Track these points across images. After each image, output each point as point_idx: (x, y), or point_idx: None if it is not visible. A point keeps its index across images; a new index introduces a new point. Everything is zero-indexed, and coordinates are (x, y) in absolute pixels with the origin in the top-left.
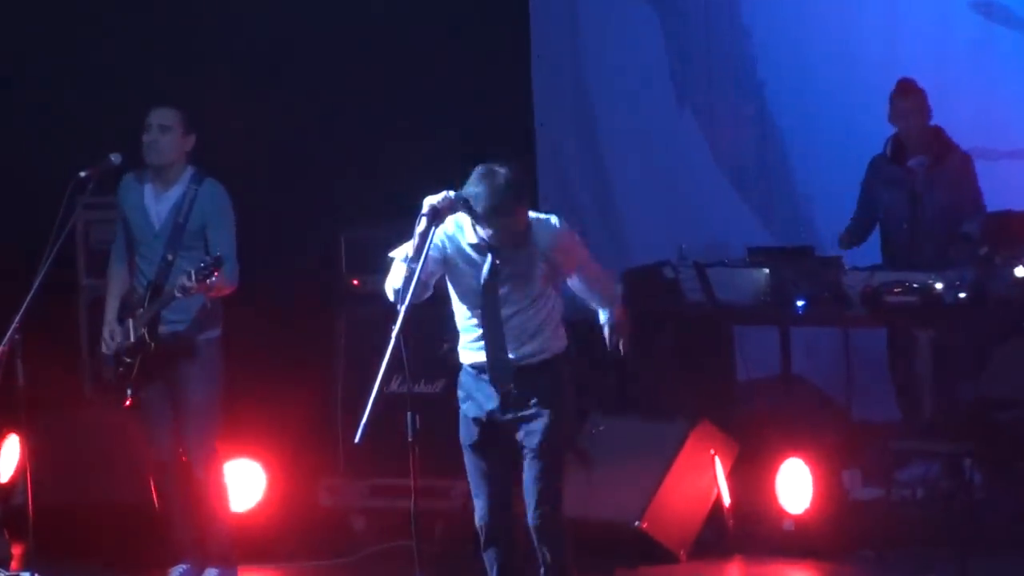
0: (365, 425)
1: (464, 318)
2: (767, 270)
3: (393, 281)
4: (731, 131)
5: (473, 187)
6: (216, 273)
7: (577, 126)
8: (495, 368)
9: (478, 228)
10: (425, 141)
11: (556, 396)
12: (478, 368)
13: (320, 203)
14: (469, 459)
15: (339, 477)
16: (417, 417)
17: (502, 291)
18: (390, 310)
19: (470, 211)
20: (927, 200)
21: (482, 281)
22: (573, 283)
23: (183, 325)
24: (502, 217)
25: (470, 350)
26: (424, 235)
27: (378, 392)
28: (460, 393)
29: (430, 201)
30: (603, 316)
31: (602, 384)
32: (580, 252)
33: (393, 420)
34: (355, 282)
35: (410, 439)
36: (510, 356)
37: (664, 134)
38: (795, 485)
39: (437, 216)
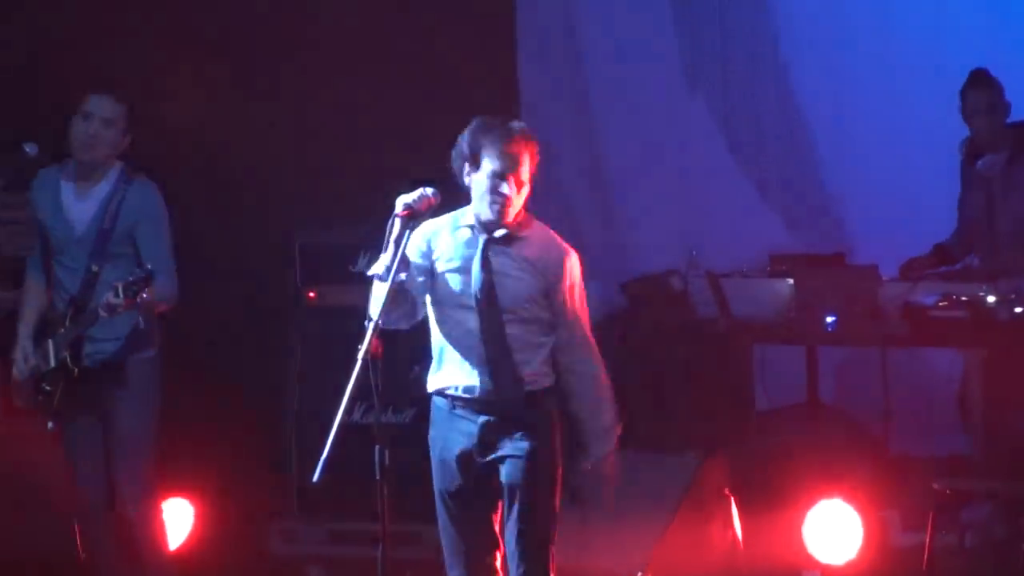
0: (325, 461)
1: (444, 334)
2: (791, 281)
3: (373, 299)
4: (749, 120)
5: (465, 137)
6: (147, 289)
7: (569, 113)
8: (498, 381)
9: (467, 214)
10: (393, 136)
11: (545, 434)
12: (455, 399)
13: (271, 202)
14: (444, 513)
15: (293, 520)
16: (386, 452)
17: (501, 290)
18: (355, 327)
19: (462, 169)
20: (1003, 205)
21: (476, 271)
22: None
23: (112, 346)
24: (518, 138)
25: (449, 373)
26: (399, 241)
27: (340, 423)
28: (432, 432)
29: (404, 200)
30: (582, 434)
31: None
32: (582, 298)
33: (357, 455)
34: (311, 294)
35: (378, 477)
36: (486, 377)
37: (672, 124)
38: (826, 530)
39: (413, 217)
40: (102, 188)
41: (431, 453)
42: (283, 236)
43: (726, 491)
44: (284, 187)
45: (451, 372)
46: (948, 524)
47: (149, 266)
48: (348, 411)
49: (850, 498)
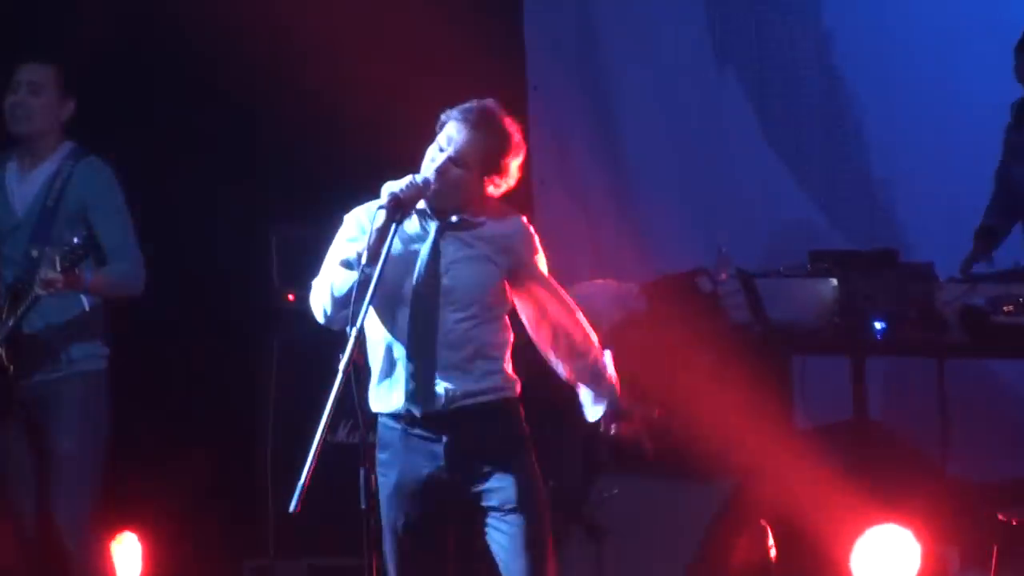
0: (303, 487)
1: (384, 340)
2: (835, 281)
3: (335, 285)
4: (787, 98)
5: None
6: (87, 254)
7: (584, 92)
8: (417, 395)
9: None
10: (385, 121)
11: (524, 449)
12: (405, 418)
13: (246, 192)
14: (399, 556)
15: (268, 556)
16: (373, 476)
17: (445, 282)
18: (337, 334)
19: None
20: None
21: (422, 259)
22: (528, 313)
23: (55, 346)
24: (477, 119)
25: (392, 388)
26: (383, 232)
27: (321, 443)
28: (384, 455)
29: (391, 188)
30: (587, 398)
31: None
32: (543, 261)
33: (340, 480)
34: (290, 296)
35: (363, 505)
36: (446, 386)
37: (699, 105)
38: (878, 560)
39: (400, 207)
40: (46, 168)
41: (380, 480)
42: (257, 229)
43: (762, 521)
44: (259, 173)
45: (394, 387)
46: (1015, 560)
47: (86, 233)
48: (330, 429)
49: (906, 523)
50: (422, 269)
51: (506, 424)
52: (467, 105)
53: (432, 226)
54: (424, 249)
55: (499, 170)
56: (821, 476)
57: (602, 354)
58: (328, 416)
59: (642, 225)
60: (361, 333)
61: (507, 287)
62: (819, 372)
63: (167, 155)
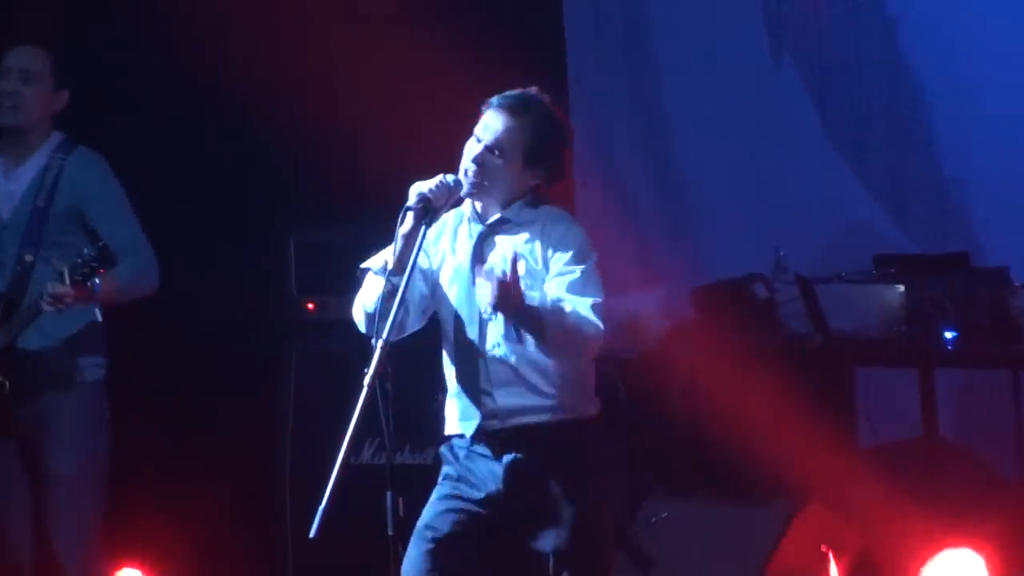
0: (324, 511)
1: (447, 357)
2: (902, 287)
3: (365, 301)
4: (849, 89)
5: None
6: (101, 271)
7: (630, 85)
8: (469, 414)
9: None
10: (415, 116)
11: (591, 482)
12: (473, 436)
13: (262, 193)
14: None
15: None
16: (400, 501)
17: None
18: (362, 345)
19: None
20: None
21: (465, 269)
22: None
23: (54, 360)
24: (516, 104)
25: (459, 405)
26: (411, 238)
27: (344, 463)
28: (448, 468)
29: (419, 189)
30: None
31: (663, 451)
32: (592, 277)
33: (365, 504)
34: (310, 305)
35: (390, 532)
36: (499, 403)
37: (754, 98)
38: None
39: (429, 210)
40: (35, 162)
41: (438, 487)
42: (274, 233)
43: (823, 547)
44: (277, 173)
45: (460, 403)
46: None
47: (101, 243)
48: (354, 450)
49: (978, 548)
50: (465, 278)
51: (572, 449)
52: (506, 92)
53: (475, 230)
54: (465, 259)
55: (543, 160)
56: (887, 498)
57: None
58: (352, 435)
59: (692, 228)
60: (388, 345)
61: None
62: (884, 386)
63: (175, 154)
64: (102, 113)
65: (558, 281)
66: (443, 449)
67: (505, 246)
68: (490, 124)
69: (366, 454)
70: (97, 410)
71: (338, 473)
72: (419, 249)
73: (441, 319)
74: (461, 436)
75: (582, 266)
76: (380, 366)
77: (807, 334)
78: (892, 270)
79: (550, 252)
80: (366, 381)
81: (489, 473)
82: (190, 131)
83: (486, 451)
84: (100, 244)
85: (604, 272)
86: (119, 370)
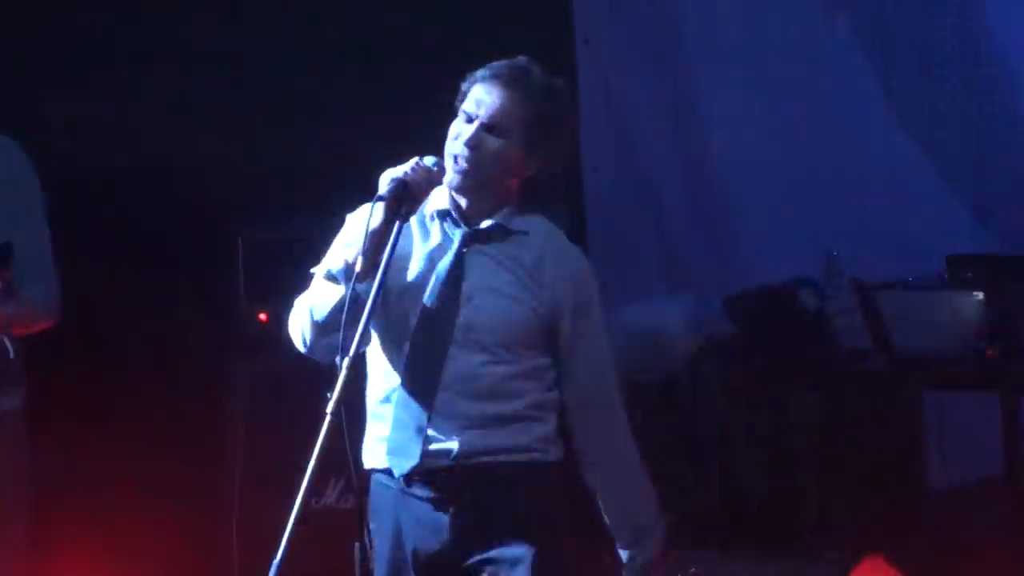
0: (281, 563)
1: (384, 378)
2: (980, 295)
3: (316, 310)
4: (918, 58)
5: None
6: (4, 272)
7: (649, 54)
8: (409, 449)
9: (441, 196)
10: (380, 84)
11: (552, 530)
12: (407, 475)
13: (204, 183)
14: None
15: None
16: (370, 549)
17: (464, 313)
18: (324, 366)
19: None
20: None
21: (438, 277)
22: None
23: None
24: (512, 75)
25: (382, 439)
26: (382, 235)
27: (303, 507)
28: (376, 522)
29: (392, 175)
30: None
31: (691, 494)
32: (599, 324)
33: (327, 555)
34: (262, 316)
35: None
36: (453, 443)
37: (803, 71)
38: None
39: (407, 197)
40: None
41: (377, 547)
42: (219, 231)
43: None
44: (223, 159)
45: (396, 435)
46: None
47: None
48: (314, 490)
49: None
50: (436, 290)
51: (539, 497)
52: (494, 64)
53: (456, 234)
54: (442, 265)
55: (546, 142)
56: (963, 549)
57: (637, 483)
58: (312, 473)
59: (726, 223)
60: (355, 366)
61: (546, 333)
62: (959, 414)
63: (97, 134)
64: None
65: (588, 364)
66: (372, 491)
67: (492, 262)
68: (484, 98)
69: (330, 496)
70: (15, 445)
71: (295, 519)
72: (393, 249)
73: (389, 330)
74: (388, 473)
75: (599, 327)
76: (345, 390)
77: (866, 351)
78: (969, 274)
79: (568, 300)
80: (329, 408)
81: (431, 524)
82: (113, 106)
83: (428, 494)
84: (6, 243)
85: (621, 276)
86: (40, 395)
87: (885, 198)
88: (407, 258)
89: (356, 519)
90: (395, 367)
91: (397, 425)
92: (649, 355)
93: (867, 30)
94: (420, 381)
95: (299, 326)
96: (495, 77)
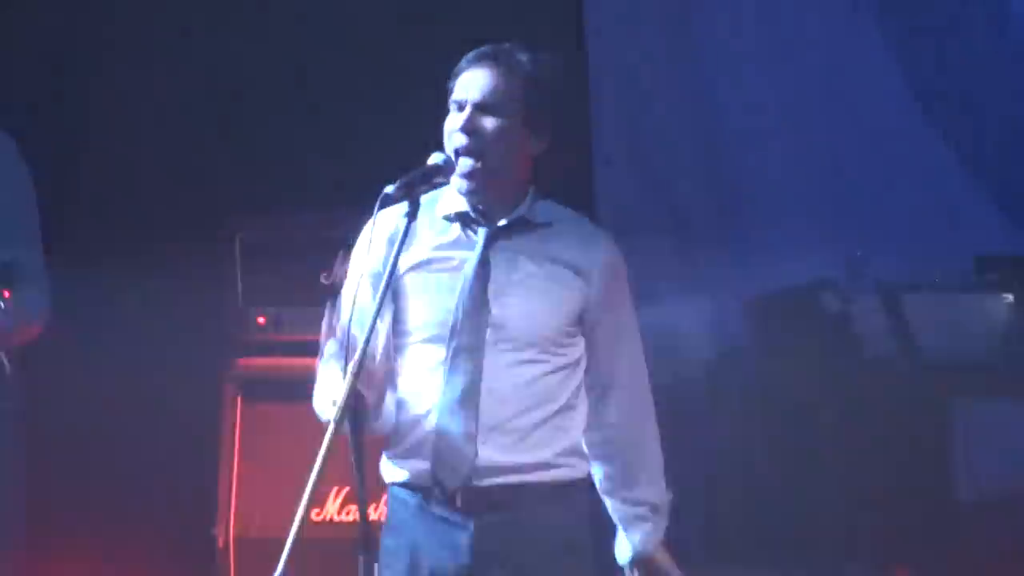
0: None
1: (415, 387)
2: (1010, 297)
3: (319, 412)
4: (950, 53)
5: None
6: (6, 293)
7: (664, 45)
8: (444, 459)
9: (451, 197)
10: (378, 77)
11: (579, 551)
12: (425, 489)
13: (203, 179)
14: None
15: None
16: (375, 565)
17: (494, 312)
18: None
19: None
20: None
21: (467, 280)
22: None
23: None
24: (497, 55)
25: (411, 453)
26: (382, 238)
27: (304, 519)
28: (389, 540)
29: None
30: (624, 546)
31: (708, 505)
32: (632, 321)
33: (330, 570)
34: (260, 319)
35: None
36: (488, 453)
37: (826, 59)
38: None
39: (413, 196)
40: None
41: (392, 566)
42: (218, 231)
43: None
44: (222, 155)
45: (416, 448)
46: None
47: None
48: (315, 502)
49: None
50: (465, 295)
51: (566, 517)
52: (478, 49)
53: (480, 234)
54: (468, 267)
55: (546, 115)
56: (991, 567)
57: (661, 497)
58: (313, 484)
59: (745, 222)
60: (361, 369)
61: (576, 331)
62: (989, 422)
63: (85, 128)
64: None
65: (623, 369)
66: (390, 507)
67: (522, 259)
68: (472, 82)
69: (331, 508)
70: (10, 456)
71: (297, 532)
72: (402, 245)
73: (400, 347)
74: (407, 487)
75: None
76: (351, 397)
77: (890, 357)
78: (998, 275)
79: (599, 290)
80: (332, 417)
81: (449, 544)
82: (110, 106)
83: (448, 514)
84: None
85: (631, 275)
86: (41, 406)
87: (910, 196)
88: (428, 264)
89: (360, 532)
90: (429, 374)
91: (441, 434)
92: (663, 361)
93: (894, 26)
94: (460, 389)
95: (324, 408)
96: (477, 59)
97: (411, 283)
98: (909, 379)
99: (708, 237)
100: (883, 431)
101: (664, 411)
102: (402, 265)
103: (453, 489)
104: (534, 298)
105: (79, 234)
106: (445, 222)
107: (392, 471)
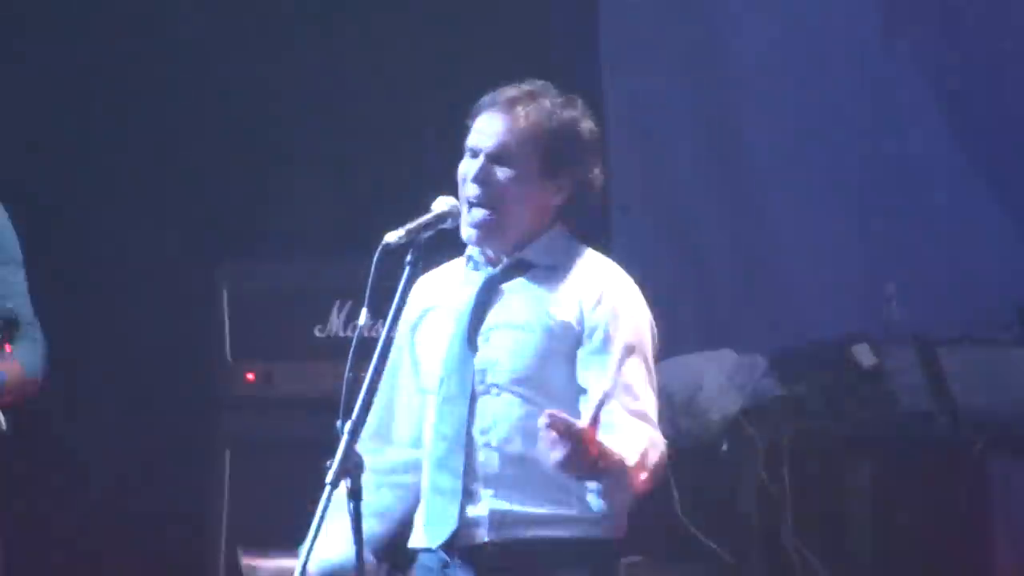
0: None
1: (427, 448)
2: None
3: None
4: (987, 89)
5: None
6: (7, 346)
7: (688, 81)
8: (442, 520)
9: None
10: (382, 116)
11: None
12: (444, 547)
13: (187, 225)
14: None
15: None
16: None
17: (481, 352)
18: (318, 429)
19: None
20: None
21: (460, 322)
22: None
23: None
24: (517, 97)
25: (422, 516)
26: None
27: None
28: None
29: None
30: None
31: (743, 571)
32: (646, 365)
33: None
34: (249, 375)
35: None
36: (489, 507)
37: (857, 99)
38: None
39: (416, 244)
40: None
41: None
42: (204, 281)
43: None
44: (209, 199)
45: (432, 503)
46: None
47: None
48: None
49: None
50: (458, 338)
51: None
52: (497, 90)
53: (477, 276)
54: (463, 312)
55: (567, 165)
56: None
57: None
58: (308, 553)
59: (772, 271)
60: (357, 430)
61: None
62: None
63: (66, 170)
64: None
65: (623, 394)
66: (416, 574)
67: (518, 298)
68: (486, 128)
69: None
70: None
71: None
72: (403, 296)
73: (425, 395)
74: (429, 551)
75: (645, 366)
76: (348, 458)
77: (927, 413)
78: None
79: (603, 331)
80: (328, 478)
81: None
82: (90, 137)
83: (467, 572)
84: (8, 308)
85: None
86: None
87: (949, 243)
88: (434, 308)
89: None
90: (424, 428)
91: (433, 490)
92: (686, 419)
93: (931, 55)
94: (449, 439)
95: None
96: (496, 104)
97: (422, 328)
98: (947, 438)
99: (732, 287)
100: (918, 493)
101: (687, 468)
102: (416, 309)
103: (445, 548)
104: (518, 337)
105: (65, 280)
106: (462, 265)
107: (413, 536)
